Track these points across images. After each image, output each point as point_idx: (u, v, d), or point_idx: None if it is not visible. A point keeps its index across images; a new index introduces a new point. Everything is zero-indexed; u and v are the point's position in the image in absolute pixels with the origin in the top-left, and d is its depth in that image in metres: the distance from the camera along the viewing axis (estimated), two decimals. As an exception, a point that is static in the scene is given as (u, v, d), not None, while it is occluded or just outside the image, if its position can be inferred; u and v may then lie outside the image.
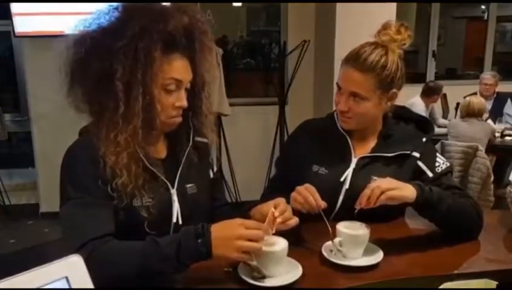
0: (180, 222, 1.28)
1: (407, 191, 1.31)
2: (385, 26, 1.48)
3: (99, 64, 1.16)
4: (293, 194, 1.36)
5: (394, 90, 1.49)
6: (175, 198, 1.28)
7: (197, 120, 1.36)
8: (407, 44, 1.48)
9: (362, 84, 1.44)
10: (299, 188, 1.36)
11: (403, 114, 1.63)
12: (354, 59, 1.45)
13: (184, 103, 1.25)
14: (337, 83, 1.51)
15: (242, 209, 1.37)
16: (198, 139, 1.38)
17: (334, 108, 1.65)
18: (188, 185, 1.33)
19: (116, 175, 1.16)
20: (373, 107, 1.48)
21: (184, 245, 1.08)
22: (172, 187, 1.29)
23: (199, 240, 1.08)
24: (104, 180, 1.17)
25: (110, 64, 1.15)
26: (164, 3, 1.25)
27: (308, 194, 1.32)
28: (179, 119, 1.28)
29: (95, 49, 1.18)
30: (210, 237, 1.08)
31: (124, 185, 1.16)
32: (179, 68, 1.22)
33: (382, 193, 1.26)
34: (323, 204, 1.32)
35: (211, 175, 1.45)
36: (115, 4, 1.23)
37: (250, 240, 1.08)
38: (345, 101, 1.47)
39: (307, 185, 1.36)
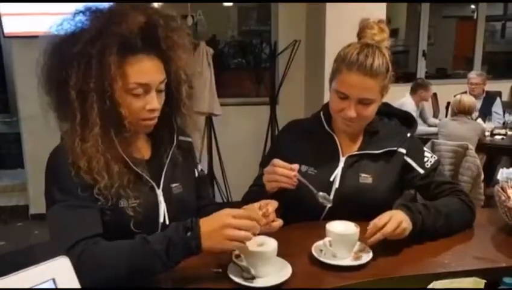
0: (167, 222, 1.27)
1: (405, 223, 1.29)
2: (368, 26, 1.49)
3: (57, 72, 1.15)
4: (264, 177, 1.40)
5: (389, 85, 1.50)
6: (161, 198, 1.28)
7: (180, 120, 1.35)
8: (389, 42, 1.50)
9: (372, 89, 1.44)
10: (266, 169, 1.39)
11: (385, 110, 1.64)
12: (360, 65, 1.41)
13: (155, 106, 1.21)
14: (339, 91, 1.46)
15: None
16: (182, 138, 1.38)
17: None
18: (174, 185, 1.32)
19: (95, 180, 1.15)
20: (376, 106, 1.50)
21: (173, 240, 1.07)
22: (158, 187, 1.28)
23: (188, 234, 1.07)
24: (85, 184, 1.15)
25: (66, 72, 1.13)
26: (125, 3, 1.21)
27: (275, 168, 1.36)
28: (154, 121, 1.25)
29: (55, 57, 1.16)
30: (199, 230, 1.07)
31: (107, 188, 1.15)
32: (143, 71, 1.18)
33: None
34: (295, 166, 1.35)
35: (196, 174, 1.45)
36: (81, 7, 1.20)
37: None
38: (354, 108, 1.45)
39: (272, 161, 1.38)
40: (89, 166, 1.14)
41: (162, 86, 1.24)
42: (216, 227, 1.07)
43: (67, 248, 1.08)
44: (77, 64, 1.12)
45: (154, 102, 1.21)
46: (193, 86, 1.35)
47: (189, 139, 1.42)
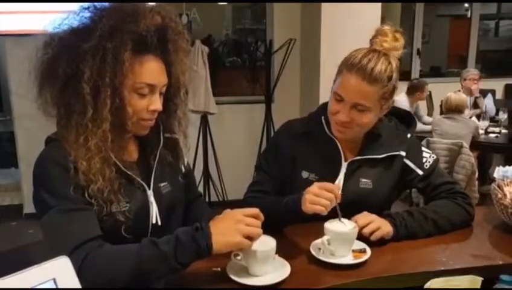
0: (159, 223, 1.26)
1: (387, 227, 1.35)
2: (381, 33, 1.43)
3: (67, 65, 1.13)
4: (312, 198, 1.25)
5: (393, 98, 1.46)
6: (152, 199, 1.26)
7: (167, 120, 1.34)
8: (401, 52, 1.45)
9: (368, 95, 1.38)
10: (315, 190, 1.26)
11: None
12: (359, 68, 1.37)
13: (158, 107, 1.21)
14: (336, 92, 1.42)
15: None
16: (168, 135, 1.36)
17: (319, 104, 1.63)
18: (162, 184, 1.31)
19: (90, 181, 1.12)
20: (374, 117, 1.45)
21: (182, 239, 1.06)
22: (149, 188, 1.27)
23: (197, 233, 1.07)
24: (79, 186, 1.13)
25: (77, 66, 1.12)
26: (138, 3, 1.21)
27: (329, 194, 1.25)
28: (152, 122, 1.25)
29: (62, 50, 1.14)
30: (209, 229, 1.07)
31: (100, 191, 1.13)
32: (151, 71, 1.19)
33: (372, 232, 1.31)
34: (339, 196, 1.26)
35: (183, 169, 1.43)
36: (86, 4, 1.19)
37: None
38: (347, 112, 1.40)
39: (319, 184, 1.28)
40: (88, 164, 1.12)
41: (164, 89, 1.25)
42: (226, 224, 1.09)
43: (70, 251, 1.05)
44: (91, 59, 1.11)
45: (158, 103, 1.21)
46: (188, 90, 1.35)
47: (175, 136, 1.39)
